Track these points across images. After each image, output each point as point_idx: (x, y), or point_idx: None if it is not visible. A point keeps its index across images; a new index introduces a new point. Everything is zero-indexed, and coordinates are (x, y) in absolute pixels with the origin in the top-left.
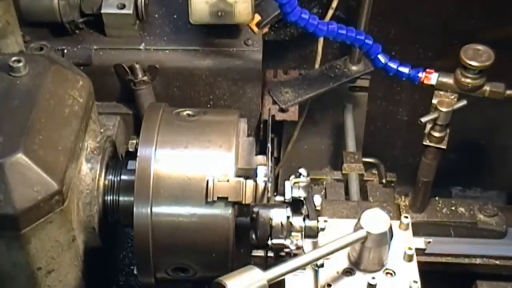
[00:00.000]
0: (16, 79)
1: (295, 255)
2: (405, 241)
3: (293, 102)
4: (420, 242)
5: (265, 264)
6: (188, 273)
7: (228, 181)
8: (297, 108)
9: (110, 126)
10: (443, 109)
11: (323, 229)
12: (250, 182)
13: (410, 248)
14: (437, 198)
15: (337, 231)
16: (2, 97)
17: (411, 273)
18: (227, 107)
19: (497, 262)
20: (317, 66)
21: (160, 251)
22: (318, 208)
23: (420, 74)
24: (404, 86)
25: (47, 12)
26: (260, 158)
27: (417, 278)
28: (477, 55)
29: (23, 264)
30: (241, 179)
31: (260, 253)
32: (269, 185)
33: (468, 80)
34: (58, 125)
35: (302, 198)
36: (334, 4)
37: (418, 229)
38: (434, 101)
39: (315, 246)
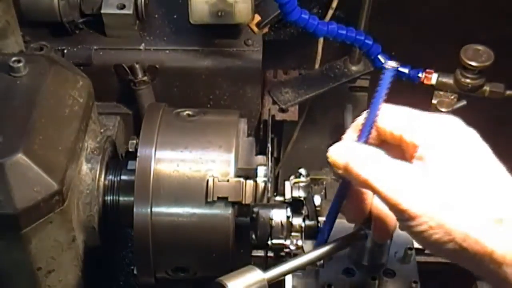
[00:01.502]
0: (16, 79)
1: (295, 255)
2: (405, 241)
3: (293, 102)
4: None
5: (265, 264)
6: (188, 273)
7: (228, 181)
8: (297, 108)
9: (110, 126)
10: (443, 109)
11: None
12: (250, 182)
13: (410, 248)
14: None
15: (337, 231)
16: (2, 97)
17: (411, 273)
18: (227, 107)
19: None
20: (317, 66)
21: (160, 251)
22: (318, 208)
23: (420, 74)
24: (404, 86)
25: (47, 12)
26: (260, 158)
27: (417, 278)
28: (477, 55)
29: (23, 264)
30: (241, 179)
31: (260, 253)
32: (269, 185)
33: (468, 80)
34: (58, 125)
35: (302, 198)
36: (334, 4)
37: None
38: (434, 101)
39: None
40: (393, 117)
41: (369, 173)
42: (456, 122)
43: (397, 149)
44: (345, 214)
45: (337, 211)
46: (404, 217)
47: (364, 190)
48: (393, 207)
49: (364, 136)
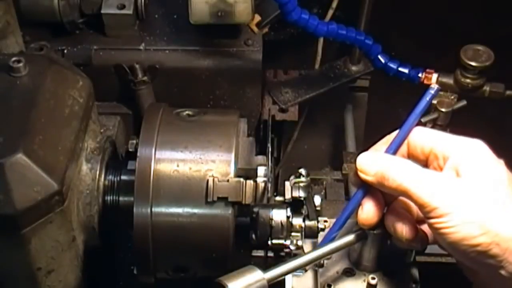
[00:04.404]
0: (16, 79)
1: (295, 255)
2: None
3: (293, 102)
4: None
5: (265, 264)
6: (188, 273)
7: (228, 181)
8: (297, 108)
9: (110, 126)
10: (443, 109)
11: (323, 229)
12: (250, 182)
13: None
14: None
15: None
16: (2, 97)
17: (411, 273)
18: (227, 107)
19: None
20: (317, 66)
21: (160, 251)
22: (318, 208)
23: (420, 74)
24: (404, 86)
25: (47, 12)
26: (260, 158)
27: (417, 278)
28: (477, 55)
29: (23, 264)
30: (241, 179)
31: (260, 253)
32: (269, 185)
33: (468, 80)
34: (58, 125)
35: (302, 198)
36: (334, 4)
37: None
38: (434, 101)
39: (315, 246)
40: (425, 134)
41: (405, 179)
42: (483, 144)
43: (421, 164)
44: (359, 219)
45: (347, 218)
46: (436, 214)
47: (379, 198)
48: (426, 206)
49: (393, 148)
